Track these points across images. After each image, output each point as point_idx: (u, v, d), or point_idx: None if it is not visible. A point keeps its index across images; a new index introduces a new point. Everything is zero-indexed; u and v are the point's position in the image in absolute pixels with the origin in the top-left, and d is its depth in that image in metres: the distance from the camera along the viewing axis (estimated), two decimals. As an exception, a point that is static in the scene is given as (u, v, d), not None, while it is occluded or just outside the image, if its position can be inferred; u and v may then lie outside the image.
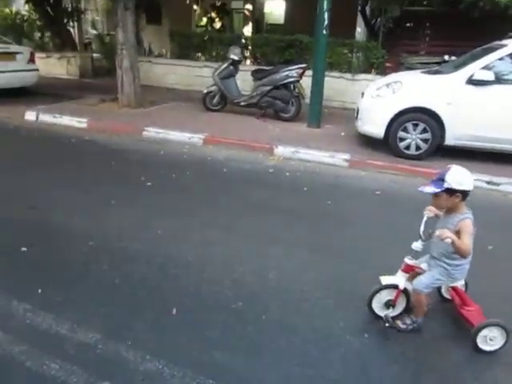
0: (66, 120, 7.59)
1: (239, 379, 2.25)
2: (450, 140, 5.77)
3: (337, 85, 9.33)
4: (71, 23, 12.95)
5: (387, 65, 9.44)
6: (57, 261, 3.28)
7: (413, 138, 5.84)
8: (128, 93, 8.85)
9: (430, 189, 2.39)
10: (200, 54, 11.28)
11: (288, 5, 16.98)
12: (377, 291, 2.68)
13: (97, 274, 3.12)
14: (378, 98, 6.02)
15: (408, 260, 2.61)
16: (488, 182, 5.16)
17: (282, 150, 6.23)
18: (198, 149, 6.45)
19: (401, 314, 2.71)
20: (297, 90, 7.67)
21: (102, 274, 3.11)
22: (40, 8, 12.18)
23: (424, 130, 5.77)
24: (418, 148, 5.87)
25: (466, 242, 2.34)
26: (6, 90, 8.99)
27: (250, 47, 10.89)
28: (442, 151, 5.93)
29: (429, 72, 6.29)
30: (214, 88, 8.18)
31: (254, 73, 7.95)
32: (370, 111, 6.12)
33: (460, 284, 2.66)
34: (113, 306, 2.77)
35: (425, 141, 5.81)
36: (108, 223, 3.92)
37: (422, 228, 2.56)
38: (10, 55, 9.20)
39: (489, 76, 5.42)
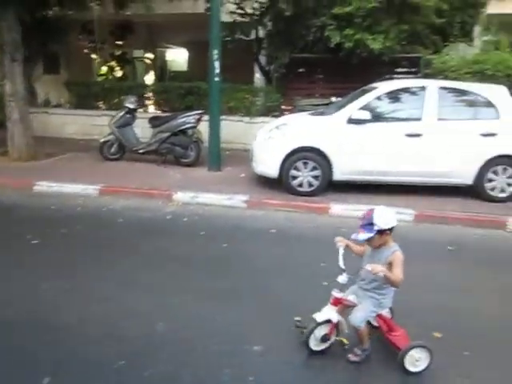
0: None
1: None
2: (337, 175, 6.16)
3: (237, 128, 9.65)
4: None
5: (284, 107, 9.99)
6: None
7: (304, 175, 6.15)
8: (19, 145, 8.42)
9: (364, 235, 2.57)
10: (100, 103, 11.11)
11: (190, 53, 17.53)
12: (313, 329, 2.73)
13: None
14: (270, 140, 6.31)
15: (336, 293, 2.70)
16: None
17: (180, 196, 6.22)
18: (93, 200, 6.21)
19: (350, 348, 2.80)
20: (195, 135, 7.78)
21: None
22: None
23: (314, 168, 6.11)
24: (310, 185, 6.18)
25: (398, 273, 2.53)
26: None
27: (151, 95, 10.96)
28: (333, 186, 6.30)
29: (314, 113, 6.75)
30: (111, 137, 8.04)
31: (151, 120, 7.97)
32: (262, 152, 6.38)
33: (385, 311, 2.79)
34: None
35: (316, 177, 6.15)
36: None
37: (341, 261, 2.68)
38: None
39: (365, 115, 5.94)
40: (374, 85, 6.56)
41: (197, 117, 7.69)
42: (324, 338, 2.75)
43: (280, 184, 6.35)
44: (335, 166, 6.09)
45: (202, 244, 4.73)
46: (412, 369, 2.64)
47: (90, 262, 4.15)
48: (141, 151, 7.90)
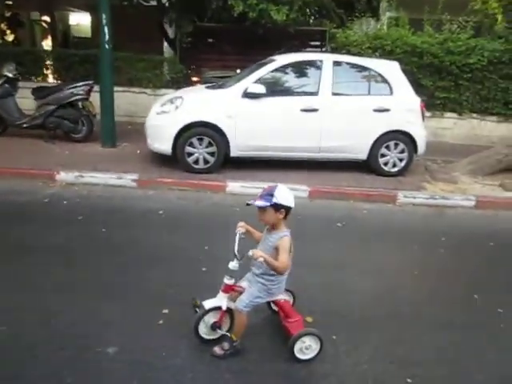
0: None
1: None
2: (234, 151, 5.94)
3: (139, 101, 9.08)
4: None
5: (194, 79, 9.53)
6: None
7: (200, 152, 5.86)
8: None
9: (260, 202, 2.42)
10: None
11: (94, 18, 16.16)
12: (201, 316, 2.57)
13: None
14: (163, 114, 5.90)
15: (227, 280, 2.53)
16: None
17: (64, 176, 5.66)
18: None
19: (219, 339, 2.62)
20: (86, 108, 7.14)
21: None
22: None
23: (210, 144, 5.83)
24: (206, 162, 5.91)
25: (283, 259, 2.40)
26: None
27: (49, 62, 9.89)
28: (230, 163, 6.08)
29: (212, 87, 6.42)
30: (-12, 110, 7.13)
31: (34, 91, 7.16)
32: (155, 128, 5.97)
33: (281, 298, 2.66)
34: None
35: (211, 154, 5.88)
36: None
37: (236, 247, 2.49)
38: None
39: (260, 89, 5.73)
40: (273, 57, 6.35)
41: (86, 88, 7.03)
42: (214, 326, 2.58)
43: (174, 161, 6.01)
44: (232, 142, 5.85)
45: (79, 230, 4.29)
46: (300, 356, 2.55)
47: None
48: (25, 125, 7.10)
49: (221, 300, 2.56)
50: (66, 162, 6.06)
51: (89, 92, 7.09)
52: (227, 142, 5.85)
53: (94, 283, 3.32)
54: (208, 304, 2.58)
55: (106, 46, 6.69)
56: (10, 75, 7.09)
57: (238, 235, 2.56)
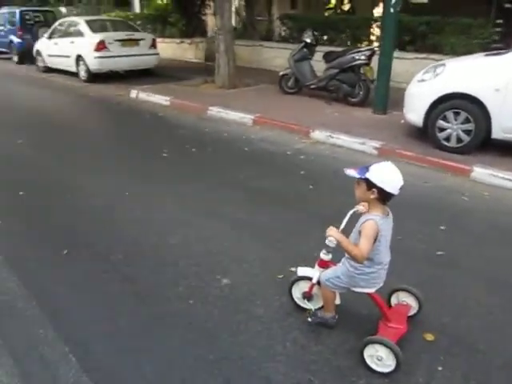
0: (156, 98, 8.66)
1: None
2: (497, 133, 4.92)
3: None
4: (205, 11, 14.22)
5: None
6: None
7: (453, 128, 5.15)
8: (223, 74, 9.54)
9: (353, 172, 2.16)
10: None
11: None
12: (294, 281, 2.57)
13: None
14: (422, 83, 5.44)
15: (323, 255, 2.38)
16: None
17: (317, 134, 6.14)
18: (243, 128, 6.77)
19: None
20: (366, 73, 7.29)
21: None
22: (176, -1, 13.74)
23: (466, 120, 5.04)
24: (459, 140, 5.16)
25: (361, 245, 2.10)
26: (131, 71, 10.70)
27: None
28: (489, 146, 5.10)
29: (492, 54, 5.38)
30: (288, 71, 8.30)
31: (325, 55, 7.80)
32: (412, 96, 5.58)
33: (370, 291, 2.29)
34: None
35: (467, 132, 5.08)
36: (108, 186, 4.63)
37: (343, 223, 2.32)
38: (135, 41, 10.77)
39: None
40: None
41: (368, 53, 7.14)
42: (304, 296, 2.53)
43: (425, 135, 5.51)
44: (495, 120, 4.86)
45: (290, 183, 4.66)
46: (371, 364, 2.17)
47: (182, 179, 4.73)
48: (312, 86, 7.93)
49: (314, 271, 2.44)
50: (327, 122, 6.51)
51: (370, 57, 7.18)
52: (489, 120, 4.90)
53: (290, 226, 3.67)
54: (301, 271, 2.52)
55: (391, 10, 6.52)
56: (308, 40, 7.95)
57: (351, 211, 2.35)
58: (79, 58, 10.58)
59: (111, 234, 3.52)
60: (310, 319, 2.43)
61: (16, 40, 13.79)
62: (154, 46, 11.17)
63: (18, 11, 13.91)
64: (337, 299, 2.45)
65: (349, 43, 10.30)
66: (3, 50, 14.73)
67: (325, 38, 10.77)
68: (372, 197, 2.14)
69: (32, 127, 6.92)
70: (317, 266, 2.43)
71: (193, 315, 2.56)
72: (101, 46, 10.18)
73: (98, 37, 10.29)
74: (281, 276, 2.86)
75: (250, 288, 2.80)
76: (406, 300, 2.50)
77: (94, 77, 10.45)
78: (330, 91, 7.71)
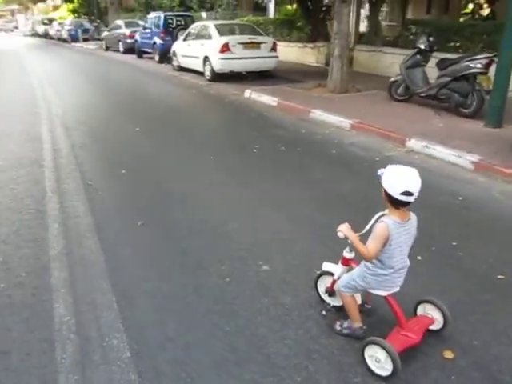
0: (266, 98, 9.10)
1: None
2: None
3: None
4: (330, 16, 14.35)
5: None
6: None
7: None
8: (335, 79, 9.64)
9: (380, 171, 2.16)
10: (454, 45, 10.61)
11: None
12: (319, 275, 2.65)
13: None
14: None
15: (346, 253, 2.40)
16: None
17: (413, 143, 5.92)
18: (339, 132, 6.81)
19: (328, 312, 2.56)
20: (481, 83, 6.77)
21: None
22: (302, 4, 14.09)
23: None
24: None
25: (369, 245, 2.13)
26: (252, 72, 11.37)
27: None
28: None
29: None
30: (399, 77, 8.06)
31: (438, 63, 7.41)
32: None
33: (386, 293, 2.27)
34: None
35: None
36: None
37: (369, 225, 2.28)
38: (256, 44, 11.37)
39: None
40: None
41: (484, 61, 6.61)
42: (326, 291, 2.60)
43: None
44: None
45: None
46: (371, 365, 2.17)
47: (263, 177, 4.98)
48: (422, 94, 7.60)
49: (337, 268, 2.48)
50: (428, 132, 6.22)
51: (487, 66, 6.65)
52: None
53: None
54: (325, 266, 2.58)
55: (516, 15, 5.99)
56: (422, 47, 7.63)
57: (378, 215, 2.31)
58: (206, 58, 11.53)
59: (182, 213, 3.94)
60: (337, 328, 2.44)
61: (158, 41, 15.48)
62: (274, 49, 11.65)
63: (162, 16, 15.61)
64: (357, 298, 2.47)
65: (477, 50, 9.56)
66: (148, 50, 16.63)
67: (451, 44, 10.16)
68: (385, 197, 2.15)
69: (151, 116, 7.84)
70: (340, 263, 2.48)
71: (225, 291, 2.80)
72: (225, 48, 10.97)
73: (223, 39, 11.11)
74: (318, 271, 2.94)
75: (284, 277, 2.95)
76: (431, 313, 2.42)
77: (217, 76, 11.30)
78: (440, 100, 7.31)
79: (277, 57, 11.76)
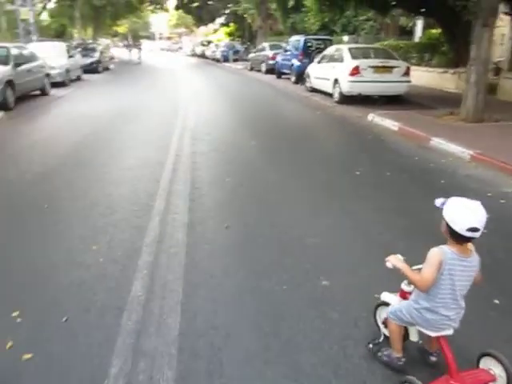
0: (387, 123, 8.96)
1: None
2: None
3: None
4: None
5: None
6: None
7: None
8: (468, 107, 9.08)
9: (439, 202, 2.08)
10: None
11: None
12: (377, 306, 2.62)
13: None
14: None
15: (403, 285, 2.38)
16: None
17: (538, 183, 5.33)
18: (457, 162, 6.39)
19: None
20: None
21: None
22: (447, 27, 13.44)
23: None
24: None
25: (423, 270, 2.08)
26: (383, 96, 11.28)
27: None
28: None
29: None
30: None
31: None
32: None
33: (436, 334, 2.17)
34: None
35: None
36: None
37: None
38: (388, 68, 11.23)
39: None
40: None
41: None
42: (383, 322, 2.54)
43: None
44: None
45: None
46: None
47: (367, 200, 4.93)
48: None
49: (392, 298, 2.44)
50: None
51: None
52: None
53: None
54: (384, 296, 2.52)
55: None
56: None
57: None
58: (336, 80, 11.75)
59: (266, 222, 4.21)
60: (378, 354, 2.39)
61: (296, 63, 16.19)
62: (407, 73, 11.36)
63: (302, 39, 16.32)
64: (414, 336, 2.37)
65: None
66: (286, 71, 17.49)
67: None
68: (444, 230, 2.08)
69: (269, 132, 8.35)
70: (398, 296, 2.42)
71: (277, 298, 2.96)
72: (355, 71, 11.06)
73: (354, 62, 11.21)
74: (377, 296, 2.91)
75: (340, 295, 3.00)
76: (493, 368, 2.18)
77: (346, 98, 11.41)
78: None
79: (409, 81, 11.45)
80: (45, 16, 34.33)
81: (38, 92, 12.66)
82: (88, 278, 3.18)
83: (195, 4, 42.53)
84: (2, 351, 2.44)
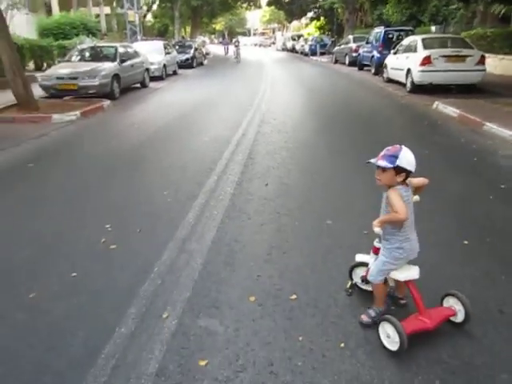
0: (449, 110, 9.28)
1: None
2: None
3: None
4: None
5: None
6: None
7: None
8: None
9: (383, 163, 2.37)
10: None
11: None
12: (353, 267, 2.95)
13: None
14: None
15: (376, 243, 2.68)
16: None
17: None
18: (502, 145, 6.68)
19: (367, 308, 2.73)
20: None
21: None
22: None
23: None
24: None
25: (395, 205, 2.35)
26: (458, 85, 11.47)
27: None
28: None
29: None
30: None
31: None
32: None
33: (412, 276, 2.54)
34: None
35: None
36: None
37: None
38: (461, 57, 11.34)
39: None
40: None
41: None
42: (362, 279, 2.88)
43: None
44: None
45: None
46: (385, 342, 2.46)
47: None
48: None
49: (370, 258, 2.77)
50: None
51: None
52: None
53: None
54: (358, 257, 2.90)
55: None
56: None
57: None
58: (409, 70, 12.08)
59: (299, 209, 5.16)
60: (366, 319, 2.64)
61: (376, 54, 16.54)
62: (481, 62, 11.36)
63: (382, 30, 16.59)
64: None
65: None
66: (367, 63, 17.86)
67: None
68: (399, 180, 2.40)
69: (331, 117, 9.19)
70: (372, 253, 2.78)
71: (287, 233, 3.94)
72: (426, 60, 11.34)
73: (426, 52, 11.48)
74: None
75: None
76: (454, 306, 2.59)
77: (417, 88, 11.72)
78: None
79: (484, 70, 11.43)
80: (149, 17, 37.83)
81: (138, 85, 14.61)
82: (156, 210, 4.42)
83: (286, -1, 43.72)
84: (98, 244, 3.74)
